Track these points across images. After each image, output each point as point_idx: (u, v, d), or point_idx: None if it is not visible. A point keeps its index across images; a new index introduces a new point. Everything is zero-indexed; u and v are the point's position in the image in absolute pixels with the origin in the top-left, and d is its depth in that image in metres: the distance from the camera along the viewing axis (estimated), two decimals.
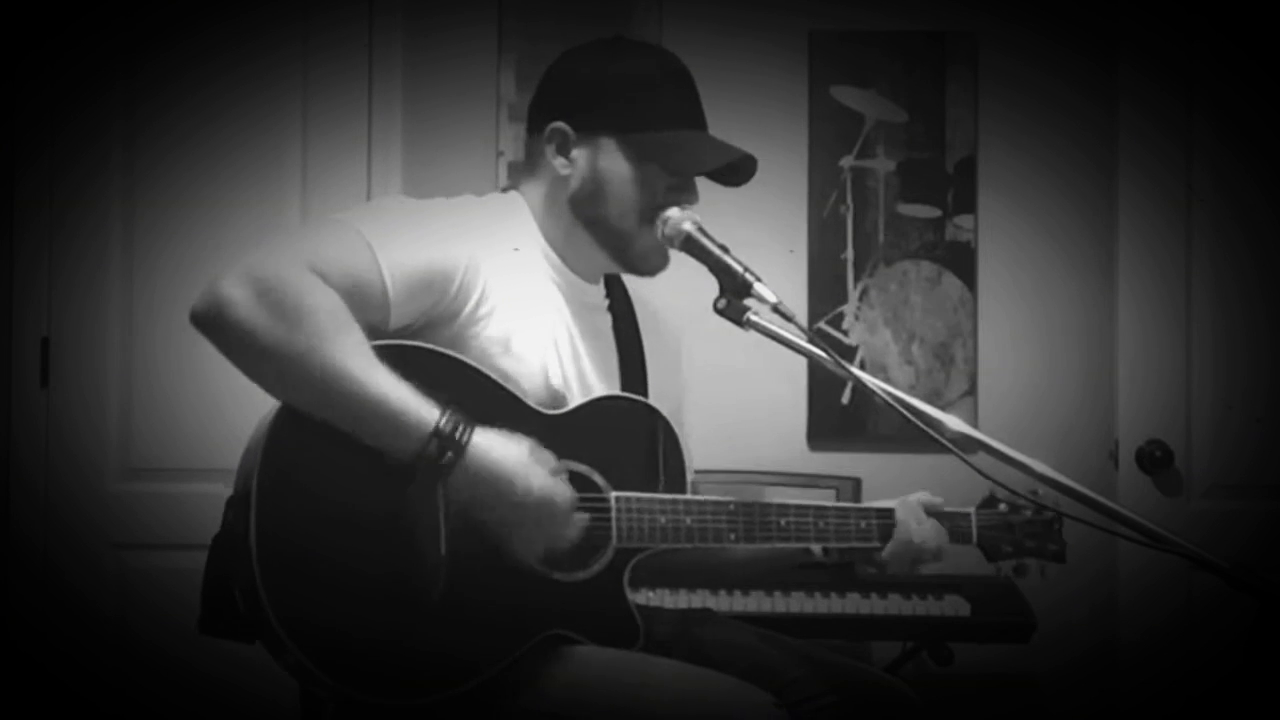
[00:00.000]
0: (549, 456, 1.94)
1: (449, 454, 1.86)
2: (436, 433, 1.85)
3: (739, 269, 2.01)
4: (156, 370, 3.47)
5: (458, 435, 1.86)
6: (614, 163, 2.08)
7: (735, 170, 2.12)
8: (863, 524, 2.16)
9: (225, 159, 3.50)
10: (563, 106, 2.10)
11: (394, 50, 3.54)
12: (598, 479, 2.03)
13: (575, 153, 2.09)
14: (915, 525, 2.18)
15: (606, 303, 2.22)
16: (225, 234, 3.45)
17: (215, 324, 1.84)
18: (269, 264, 1.85)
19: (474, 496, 1.89)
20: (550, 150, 2.10)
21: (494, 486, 1.89)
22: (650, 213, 2.08)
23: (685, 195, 2.09)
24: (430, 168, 3.56)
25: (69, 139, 3.50)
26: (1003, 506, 2.25)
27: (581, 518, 1.96)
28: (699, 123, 2.13)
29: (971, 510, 2.25)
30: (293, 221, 3.48)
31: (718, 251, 2.04)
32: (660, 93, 2.09)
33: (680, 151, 2.07)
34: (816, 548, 2.20)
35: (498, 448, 1.90)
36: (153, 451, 3.49)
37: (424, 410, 1.86)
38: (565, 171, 2.10)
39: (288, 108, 3.52)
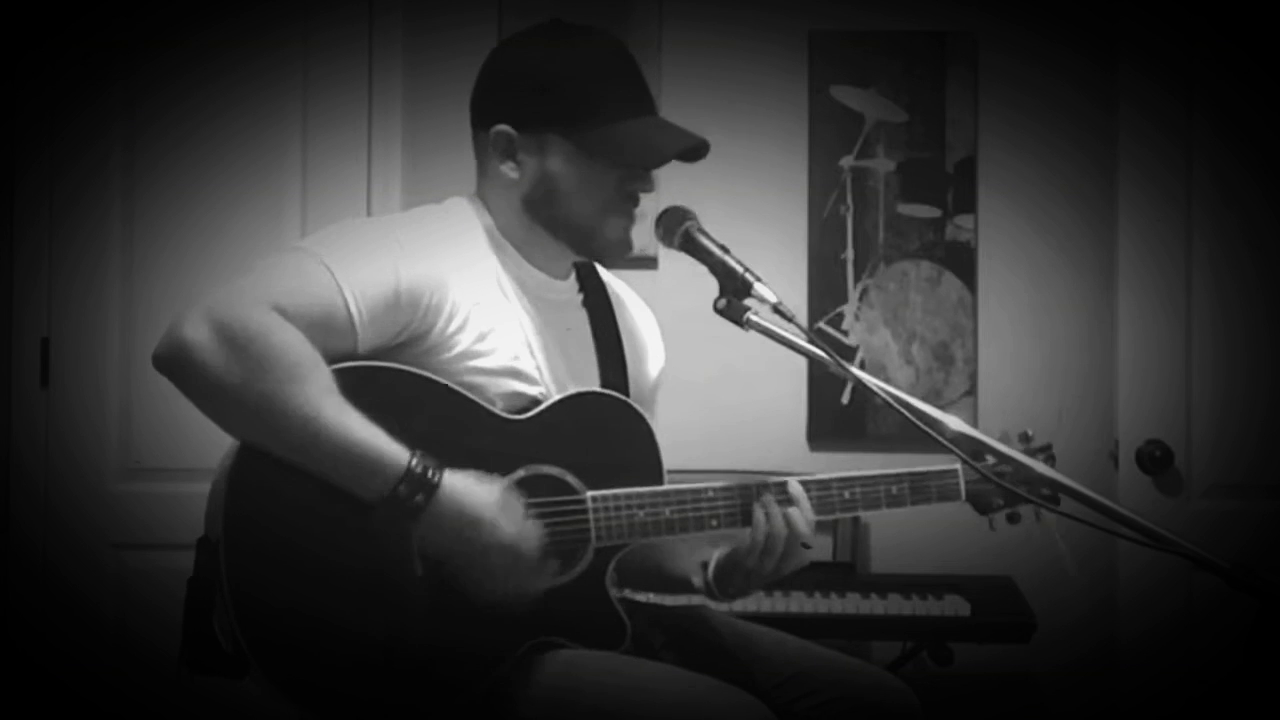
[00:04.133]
0: (518, 503, 1.92)
1: (419, 496, 1.84)
2: (407, 475, 1.84)
3: (739, 269, 2.01)
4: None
5: (429, 477, 1.85)
6: (563, 163, 2.04)
7: (691, 149, 2.07)
8: (845, 494, 2.13)
9: (225, 159, 3.50)
10: (505, 107, 2.06)
11: (394, 50, 3.54)
12: (571, 480, 2.00)
13: (522, 155, 2.05)
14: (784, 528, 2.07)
15: (580, 297, 2.19)
16: (225, 234, 3.46)
17: (177, 368, 1.83)
18: (229, 305, 1.83)
19: (441, 540, 1.88)
20: (496, 156, 2.07)
21: (462, 532, 1.87)
22: (608, 205, 2.05)
23: (641, 185, 2.06)
24: (430, 168, 3.55)
25: (69, 139, 3.50)
26: (990, 458, 2.12)
27: (553, 564, 1.94)
28: (646, 107, 2.08)
29: (958, 465, 2.19)
30: (292, 222, 3.48)
31: (718, 251, 2.03)
32: (604, 83, 2.04)
33: (629, 145, 2.03)
34: (698, 579, 2.16)
35: (467, 492, 1.88)
36: (153, 451, 3.49)
37: (394, 452, 1.84)
38: (514, 175, 2.06)
39: (288, 108, 3.52)
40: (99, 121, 3.50)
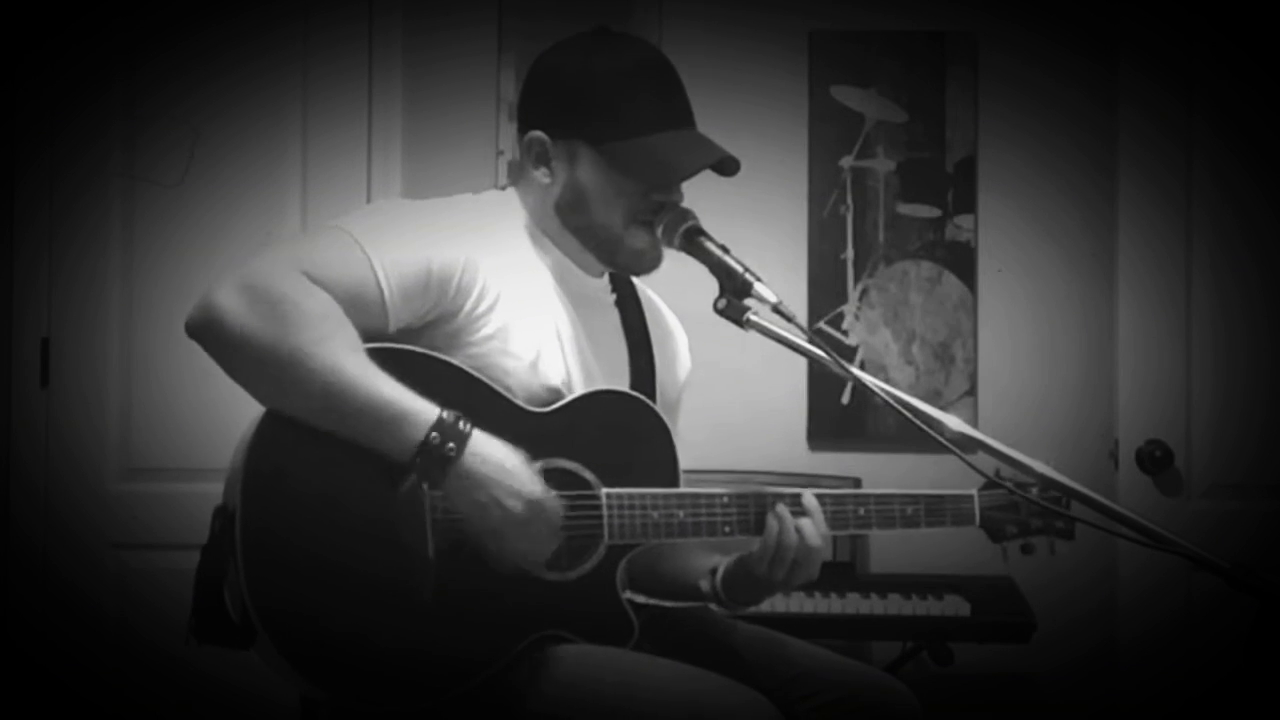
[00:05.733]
0: (538, 468, 1.94)
1: (451, 445, 1.86)
2: (439, 424, 1.86)
3: (739, 269, 2.01)
4: (156, 370, 3.47)
5: (461, 427, 1.87)
6: (591, 173, 2.05)
7: (722, 161, 2.09)
8: (860, 511, 2.13)
9: (225, 159, 3.50)
10: (541, 114, 2.09)
11: (394, 50, 3.54)
12: (588, 475, 2.01)
13: (554, 163, 2.08)
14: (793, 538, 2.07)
15: (613, 297, 2.21)
16: (225, 234, 3.46)
17: (209, 333, 1.84)
18: (260, 272, 1.86)
19: (468, 495, 1.89)
20: (530, 161, 2.09)
21: (494, 481, 1.89)
22: (635, 215, 2.06)
23: (666, 196, 2.07)
24: (430, 168, 3.56)
25: (69, 139, 3.50)
26: (1008, 486, 2.16)
27: (560, 534, 1.95)
28: (680, 120, 2.09)
29: (974, 491, 2.21)
30: (293, 222, 3.49)
31: (718, 251, 2.03)
32: (637, 96, 2.05)
33: (655, 160, 2.04)
34: (705, 584, 2.16)
35: (497, 445, 1.90)
36: (153, 451, 3.49)
37: (424, 406, 1.86)
38: (546, 181, 2.08)
39: (288, 108, 3.52)
40: (99, 122, 3.50)
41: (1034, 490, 2.16)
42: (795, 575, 2.07)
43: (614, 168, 2.05)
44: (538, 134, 2.08)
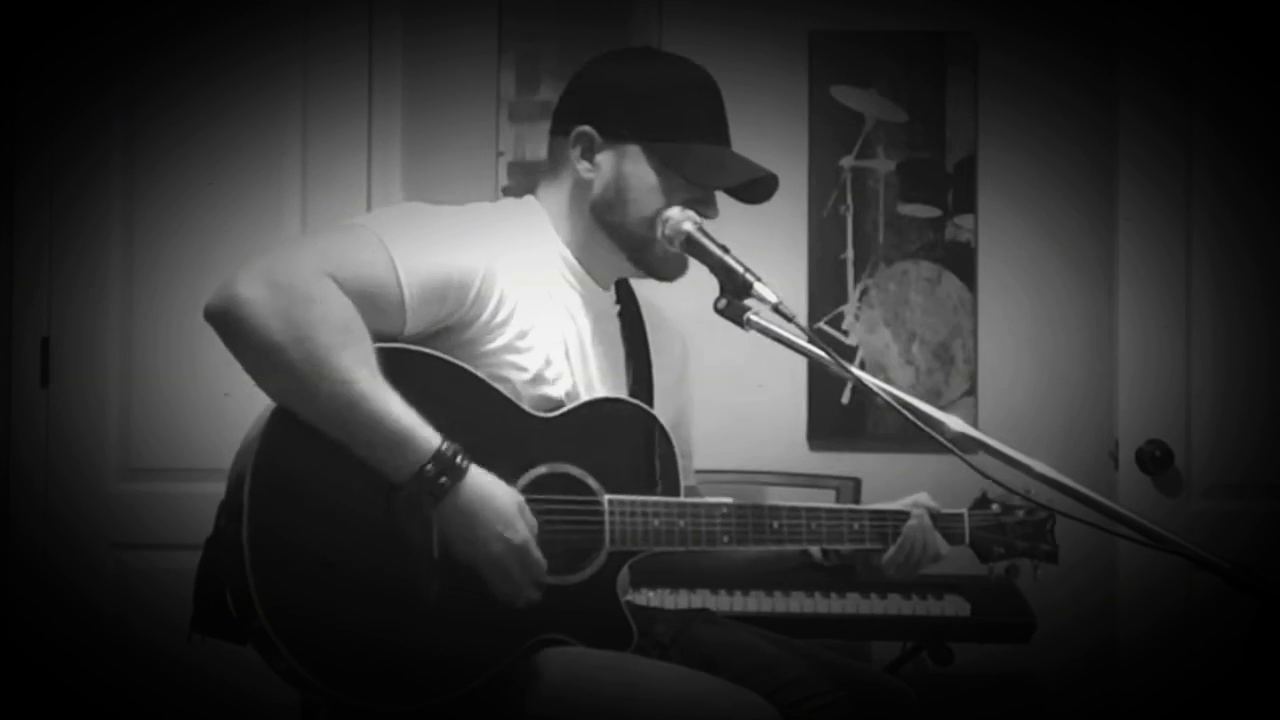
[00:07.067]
0: (533, 520, 1.94)
1: (444, 479, 1.86)
2: (436, 456, 1.86)
3: (739, 269, 2.02)
4: (156, 370, 3.47)
5: (458, 462, 1.87)
6: (638, 169, 2.08)
7: (755, 188, 2.12)
8: (855, 525, 2.16)
9: (225, 159, 3.50)
10: (590, 111, 2.11)
11: (394, 50, 3.54)
12: (591, 481, 2.02)
13: (600, 157, 2.09)
14: (923, 535, 2.18)
15: (617, 308, 2.22)
16: (225, 234, 3.46)
17: (228, 322, 1.84)
18: (287, 267, 1.85)
19: (458, 528, 1.89)
20: (575, 153, 2.11)
21: (481, 523, 1.89)
22: None
23: (705, 208, 2.10)
24: (430, 168, 3.56)
25: (69, 139, 3.50)
26: (995, 507, 2.25)
27: (542, 586, 1.95)
28: (724, 139, 2.14)
29: (964, 511, 2.25)
30: (292, 222, 3.48)
31: (718, 251, 2.04)
32: (689, 104, 2.10)
33: (704, 164, 2.08)
34: (816, 550, 2.20)
35: (492, 485, 1.91)
36: (153, 451, 3.49)
37: (426, 433, 1.86)
38: (589, 175, 2.10)
39: (288, 108, 3.52)
40: (99, 121, 3.50)
41: (1020, 513, 2.21)
42: (911, 574, 2.20)
43: (662, 166, 2.07)
44: (587, 128, 2.10)
